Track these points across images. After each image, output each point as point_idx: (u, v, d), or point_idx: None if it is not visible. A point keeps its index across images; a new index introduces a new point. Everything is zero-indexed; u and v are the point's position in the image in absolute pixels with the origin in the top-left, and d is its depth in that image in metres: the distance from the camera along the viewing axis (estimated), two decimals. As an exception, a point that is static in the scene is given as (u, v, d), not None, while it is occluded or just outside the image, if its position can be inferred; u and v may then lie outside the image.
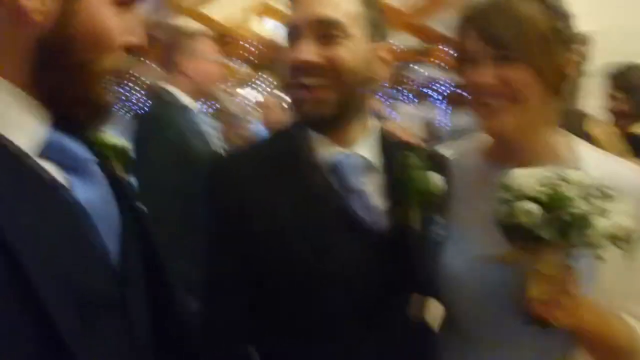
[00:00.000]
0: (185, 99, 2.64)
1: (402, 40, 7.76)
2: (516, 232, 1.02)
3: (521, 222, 0.98)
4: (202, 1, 8.17)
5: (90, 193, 0.81)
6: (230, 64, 7.38)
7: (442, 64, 7.16)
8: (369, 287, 1.15)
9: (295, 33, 1.11)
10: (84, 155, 0.83)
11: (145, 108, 2.86)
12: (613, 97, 3.03)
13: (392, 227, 1.18)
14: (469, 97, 1.21)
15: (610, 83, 3.03)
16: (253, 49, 6.63)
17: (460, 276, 1.21)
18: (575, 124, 2.31)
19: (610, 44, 3.31)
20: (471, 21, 1.19)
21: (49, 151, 0.79)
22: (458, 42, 1.23)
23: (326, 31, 1.09)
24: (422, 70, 7.70)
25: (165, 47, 2.78)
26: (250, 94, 11.37)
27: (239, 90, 10.43)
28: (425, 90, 9.37)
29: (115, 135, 1.01)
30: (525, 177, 1.02)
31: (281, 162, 1.18)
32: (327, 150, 1.18)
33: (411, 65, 7.38)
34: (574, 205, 0.97)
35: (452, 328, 1.29)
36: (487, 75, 1.14)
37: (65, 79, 0.77)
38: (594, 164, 1.18)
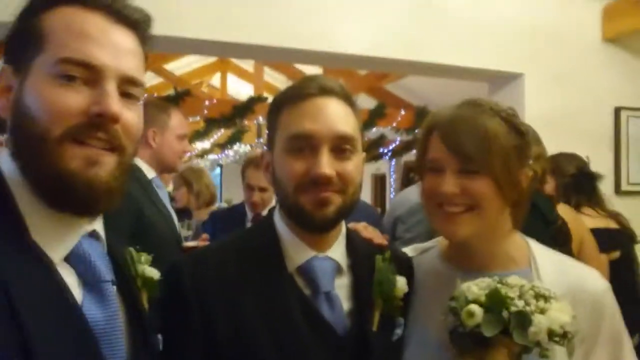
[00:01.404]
0: (148, 172, 2.58)
1: (358, 100, 8.08)
2: (463, 339, 1.07)
3: (466, 324, 1.04)
4: (164, 57, 8.29)
5: (98, 312, 0.84)
6: (189, 119, 7.46)
7: (394, 125, 7.48)
8: None
9: (308, 143, 1.12)
10: (103, 275, 0.88)
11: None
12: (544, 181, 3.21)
13: (356, 330, 1.17)
14: (428, 200, 1.26)
15: None
16: (212, 105, 6.76)
17: None
18: (550, 209, 2.41)
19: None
20: (439, 132, 1.23)
21: (74, 259, 0.86)
22: (421, 148, 1.28)
23: (342, 146, 1.13)
24: (374, 130, 8.00)
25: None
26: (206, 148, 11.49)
27: (197, 144, 10.53)
28: (377, 148, 9.69)
29: (149, 268, 1.05)
30: (470, 285, 1.08)
31: (250, 264, 1.16)
32: (301, 254, 1.17)
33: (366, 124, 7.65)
34: (513, 304, 1.03)
35: None
36: (451, 184, 1.19)
37: (26, 159, 0.84)
38: (549, 266, 1.24)
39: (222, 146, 11.14)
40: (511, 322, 1.02)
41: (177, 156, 2.68)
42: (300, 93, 1.16)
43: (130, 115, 0.90)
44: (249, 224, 3.21)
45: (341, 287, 1.20)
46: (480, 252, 1.26)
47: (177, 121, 2.67)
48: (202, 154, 12.44)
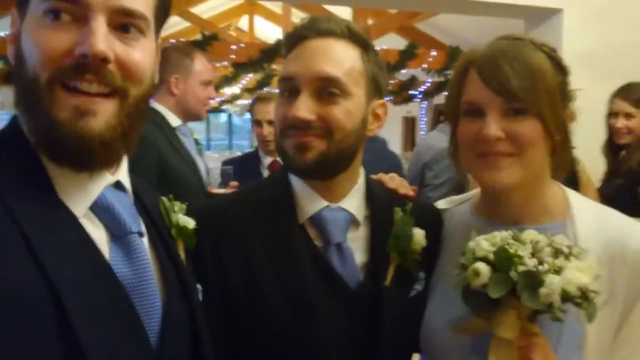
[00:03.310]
0: (173, 120, 2.49)
1: (388, 41, 7.89)
2: (472, 297, 0.99)
3: (472, 283, 0.96)
4: (189, 0, 8.15)
5: (126, 266, 0.82)
6: (217, 64, 7.40)
7: (425, 66, 7.29)
8: (347, 347, 1.10)
9: (292, 85, 1.09)
10: (129, 226, 0.85)
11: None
12: (628, 116, 2.88)
13: (369, 284, 1.14)
14: (466, 149, 1.15)
15: (623, 101, 2.88)
16: (239, 49, 6.66)
17: (441, 337, 1.14)
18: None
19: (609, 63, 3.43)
20: (477, 68, 1.10)
21: (98, 209, 0.82)
22: (455, 90, 1.16)
23: (325, 89, 1.07)
24: (404, 71, 7.82)
25: (168, 64, 2.50)
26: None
27: (225, 89, 10.51)
28: (408, 89, 9.49)
29: (182, 216, 1.02)
30: (480, 241, 0.99)
31: (262, 214, 1.15)
32: (312, 204, 1.14)
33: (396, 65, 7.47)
34: (522, 263, 0.93)
35: None
36: (495, 128, 1.06)
37: (23, 107, 0.80)
38: (588, 220, 1.13)
39: (251, 91, 11.11)
40: (519, 282, 0.93)
41: (202, 103, 2.57)
42: (297, 36, 1.12)
43: (130, 52, 0.80)
44: (265, 172, 3.09)
45: (357, 240, 1.16)
46: (512, 203, 1.15)
47: (201, 66, 2.55)
48: (232, 99, 12.43)
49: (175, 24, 9.57)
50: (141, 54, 0.82)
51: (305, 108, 1.05)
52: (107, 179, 0.85)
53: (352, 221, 1.16)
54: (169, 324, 0.86)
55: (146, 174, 2.17)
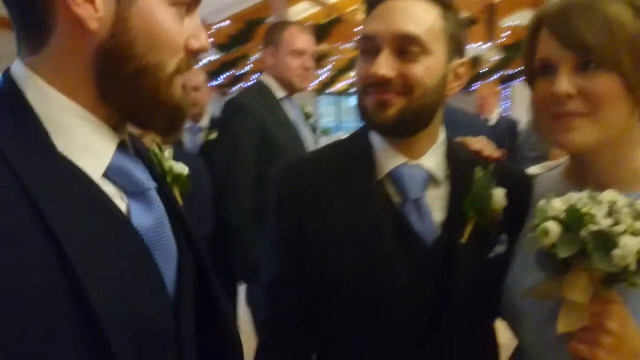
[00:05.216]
0: (278, 92, 2.57)
1: (520, 17, 7.53)
2: (545, 260, 0.96)
3: (541, 243, 0.92)
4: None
5: (147, 220, 0.79)
6: (341, 47, 7.52)
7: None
8: (419, 302, 1.13)
9: (372, 45, 1.11)
10: (144, 181, 0.81)
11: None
12: None
13: (445, 241, 1.15)
14: (540, 111, 1.09)
15: None
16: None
17: (518, 303, 1.11)
18: None
19: None
20: (548, 22, 1.05)
21: (112, 173, 0.77)
22: (528, 50, 1.11)
23: (406, 47, 1.08)
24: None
25: (264, 38, 2.67)
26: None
27: (351, 73, 10.61)
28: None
29: (175, 163, 1.02)
30: (554, 201, 0.95)
31: (342, 170, 1.19)
32: (390, 160, 1.17)
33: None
34: (595, 222, 0.88)
35: (521, 354, 1.19)
36: (566, 84, 1.00)
37: (131, 88, 0.75)
38: None
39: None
40: (590, 242, 0.87)
41: (295, 74, 2.53)
42: None
43: None
44: None
45: (436, 198, 1.17)
46: (598, 167, 1.07)
47: (289, 36, 2.53)
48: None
49: (304, 9, 9.87)
50: None
51: (385, 65, 1.07)
52: (115, 140, 0.79)
53: (432, 179, 1.17)
54: (183, 273, 0.86)
55: (246, 136, 2.45)
